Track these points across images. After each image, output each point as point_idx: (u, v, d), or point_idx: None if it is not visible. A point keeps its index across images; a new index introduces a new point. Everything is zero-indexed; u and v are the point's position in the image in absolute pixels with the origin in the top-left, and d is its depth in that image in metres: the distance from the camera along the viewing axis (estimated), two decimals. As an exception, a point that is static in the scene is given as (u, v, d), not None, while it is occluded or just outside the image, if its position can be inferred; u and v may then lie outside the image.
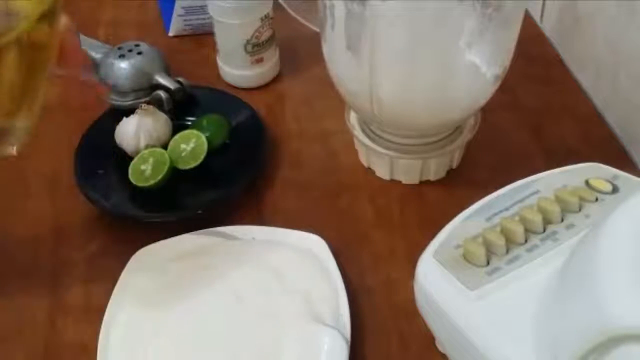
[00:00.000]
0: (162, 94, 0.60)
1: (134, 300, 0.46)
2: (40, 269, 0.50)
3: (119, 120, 0.56)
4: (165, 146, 0.55)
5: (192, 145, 0.55)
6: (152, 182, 0.52)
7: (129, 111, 0.56)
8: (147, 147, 0.54)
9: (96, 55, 0.63)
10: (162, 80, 0.60)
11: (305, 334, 0.43)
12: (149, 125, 0.55)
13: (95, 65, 0.62)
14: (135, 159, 0.54)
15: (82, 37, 0.67)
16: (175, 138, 0.55)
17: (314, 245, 0.49)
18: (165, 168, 0.53)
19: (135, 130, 0.55)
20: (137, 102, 0.58)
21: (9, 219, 0.54)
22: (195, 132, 0.55)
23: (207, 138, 0.55)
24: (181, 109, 0.61)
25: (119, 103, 0.60)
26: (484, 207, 0.42)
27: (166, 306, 0.46)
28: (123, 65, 0.60)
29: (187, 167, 0.54)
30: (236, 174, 0.55)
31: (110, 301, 0.46)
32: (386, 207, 0.54)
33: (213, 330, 0.44)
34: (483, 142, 0.57)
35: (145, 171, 0.53)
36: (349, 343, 0.43)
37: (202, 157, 0.54)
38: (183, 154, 0.54)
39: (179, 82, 0.61)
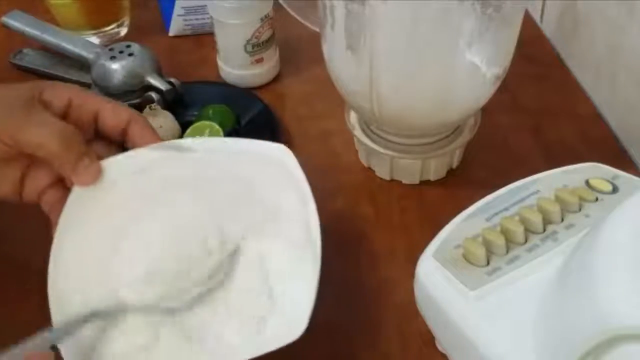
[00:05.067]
0: (153, 95, 0.60)
1: (88, 214, 0.44)
2: (38, 269, 0.50)
3: None
4: None
5: (207, 135, 0.55)
6: None
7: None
8: None
9: (88, 55, 0.63)
10: (153, 81, 0.60)
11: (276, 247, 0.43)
12: (158, 124, 0.55)
13: (87, 66, 0.63)
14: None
15: (75, 36, 0.67)
16: (188, 132, 0.56)
17: (280, 154, 0.46)
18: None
19: None
20: (129, 104, 0.58)
21: (6, 220, 0.53)
22: (207, 122, 0.55)
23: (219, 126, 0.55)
24: (183, 105, 0.61)
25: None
26: (484, 207, 0.42)
27: (128, 214, 0.44)
28: (114, 66, 0.60)
29: None
30: None
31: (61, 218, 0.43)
32: (386, 207, 0.54)
33: (183, 238, 0.43)
34: (483, 142, 0.57)
35: None
36: (320, 257, 0.42)
37: None
38: None
39: (170, 82, 0.61)
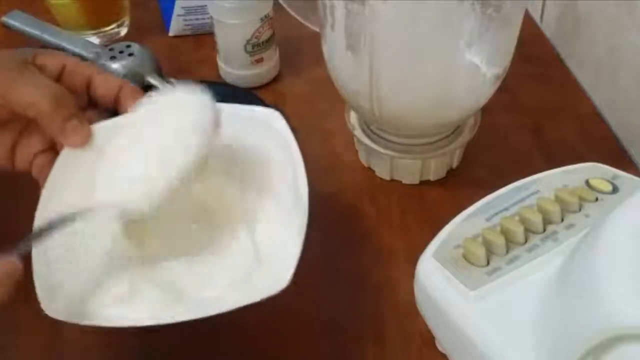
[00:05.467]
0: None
1: (75, 177, 0.43)
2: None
3: None
4: None
5: None
6: None
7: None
8: None
9: (88, 55, 0.63)
10: (153, 81, 0.60)
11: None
12: None
13: None
14: None
15: (75, 36, 0.67)
16: None
17: (271, 118, 0.47)
18: None
19: None
20: None
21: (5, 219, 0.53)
22: None
23: None
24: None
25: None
26: (484, 207, 0.42)
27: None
28: (115, 66, 0.60)
29: None
30: None
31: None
32: (386, 207, 0.54)
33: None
34: (483, 142, 0.57)
35: None
36: (307, 213, 0.41)
37: None
38: None
39: (170, 82, 0.61)
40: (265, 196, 0.44)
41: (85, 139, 0.43)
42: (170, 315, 0.38)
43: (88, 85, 0.46)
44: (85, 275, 0.41)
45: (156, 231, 0.43)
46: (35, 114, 0.42)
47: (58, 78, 0.45)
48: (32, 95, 0.41)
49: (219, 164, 0.45)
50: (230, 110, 0.46)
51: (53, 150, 0.45)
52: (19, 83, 0.42)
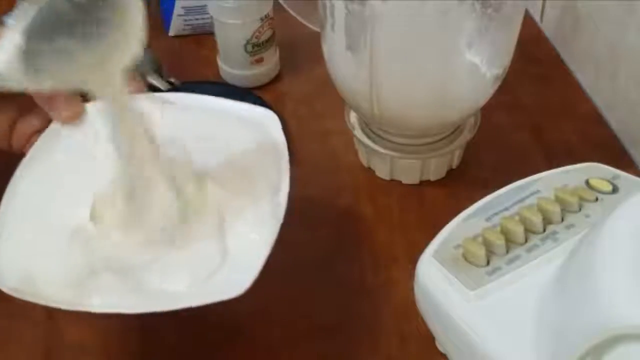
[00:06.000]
0: None
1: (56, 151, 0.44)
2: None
3: None
4: None
5: None
6: None
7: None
8: None
9: None
10: (153, 81, 0.60)
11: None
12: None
13: None
14: None
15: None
16: None
17: (267, 120, 0.46)
18: None
19: None
20: None
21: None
22: None
23: None
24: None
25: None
26: (484, 207, 0.42)
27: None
28: None
29: None
30: None
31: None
32: (386, 207, 0.54)
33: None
34: (483, 142, 0.57)
35: None
36: (281, 222, 0.41)
37: None
38: None
39: (170, 82, 0.61)
40: (244, 198, 0.43)
41: (75, 116, 0.42)
42: (125, 305, 0.38)
43: None
44: (44, 253, 0.40)
45: (125, 216, 0.42)
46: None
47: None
48: None
49: (206, 157, 0.44)
50: (230, 107, 0.46)
51: None
52: None
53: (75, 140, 0.44)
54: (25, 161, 0.44)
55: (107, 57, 0.37)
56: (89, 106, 0.43)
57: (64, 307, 0.37)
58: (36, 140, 0.45)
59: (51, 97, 0.42)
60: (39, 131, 0.45)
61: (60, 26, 0.34)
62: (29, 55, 0.34)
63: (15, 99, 0.44)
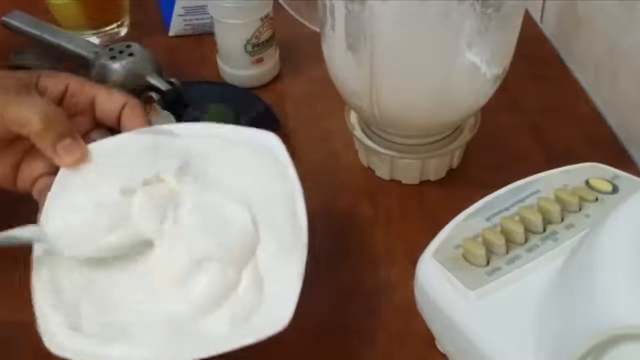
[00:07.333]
0: (153, 95, 0.60)
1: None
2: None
3: None
4: None
5: None
6: None
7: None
8: None
9: (88, 55, 0.63)
10: (153, 81, 0.60)
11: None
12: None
13: (87, 66, 0.62)
14: None
15: (75, 36, 0.67)
16: None
17: (268, 142, 0.45)
18: None
19: None
20: None
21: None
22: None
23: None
24: (183, 105, 0.61)
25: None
26: (484, 207, 0.42)
27: None
28: (115, 66, 0.60)
29: None
30: None
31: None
32: (386, 207, 0.54)
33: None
34: (483, 142, 0.57)
35: None
36: (307, 246, 0.40)
37: None
38: None
39: (170, 82, 0.61)
40: (264, 230, 0.42)
41: (79, 158, 0.43)
42: (169, 355, 0.38)
43: (92, 104, 0.46)
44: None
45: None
46: (28, 133, 0.42)
47: (61, 99, 0.45)
48: (24, 113, 0.42)
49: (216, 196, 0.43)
50: (229, 134, 0.45)
51: (56, 173, 0.45)
52: (15, 103, 0.42)
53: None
54: (45, 207, 0.42)
55: None
56: (91, 147, 0.44)
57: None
58: (42, 184, 0.44)
59: (52, 145, 0.42)
60: (47, 174, 0.45)
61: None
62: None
63: (19, 142, 0.44)
